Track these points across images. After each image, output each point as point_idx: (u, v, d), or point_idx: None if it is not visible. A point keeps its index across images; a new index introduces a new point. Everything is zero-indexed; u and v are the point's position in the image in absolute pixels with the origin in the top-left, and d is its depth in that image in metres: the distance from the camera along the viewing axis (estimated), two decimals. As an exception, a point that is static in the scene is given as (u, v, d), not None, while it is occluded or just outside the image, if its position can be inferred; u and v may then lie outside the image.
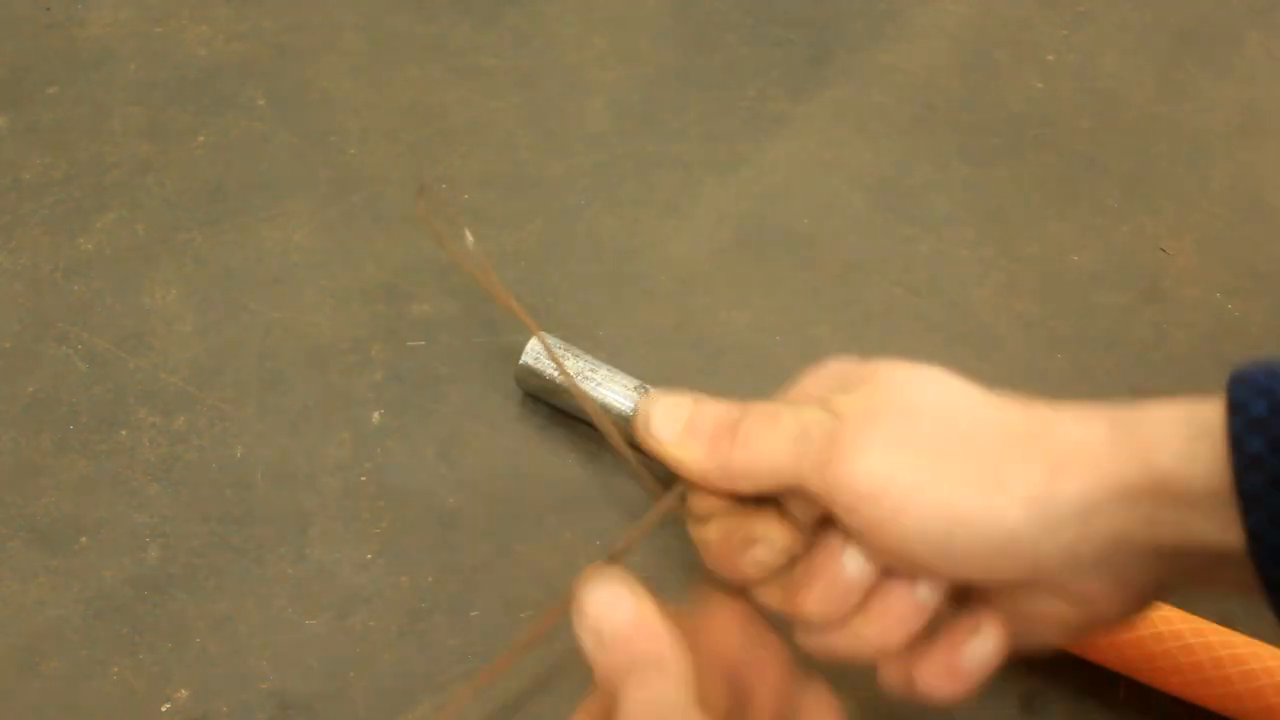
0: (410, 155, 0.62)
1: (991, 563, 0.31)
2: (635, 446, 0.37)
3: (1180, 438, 0.29)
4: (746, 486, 0.34)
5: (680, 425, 0.35)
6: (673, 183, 0.62)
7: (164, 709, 0.44)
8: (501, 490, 0.51)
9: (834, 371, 0.36)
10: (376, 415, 0.53)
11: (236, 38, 0.68)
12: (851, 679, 0.46)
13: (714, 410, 0.35)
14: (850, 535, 0.33)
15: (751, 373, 0.54)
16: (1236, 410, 0.28)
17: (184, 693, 0.45)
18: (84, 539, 0.49)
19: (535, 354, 0.51)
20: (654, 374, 0.51)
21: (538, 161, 0.63)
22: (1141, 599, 0.33)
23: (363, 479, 0.51)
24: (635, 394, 0.49)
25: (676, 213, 0.61)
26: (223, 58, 0.66)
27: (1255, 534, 0.28)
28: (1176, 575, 0.32)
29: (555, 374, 0.50)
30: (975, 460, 0.31)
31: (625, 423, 0.49)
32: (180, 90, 0.65)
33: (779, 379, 0.54)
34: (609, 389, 0.50)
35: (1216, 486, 0.28)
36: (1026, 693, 0.46)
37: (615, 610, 0.32)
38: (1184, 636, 0.43)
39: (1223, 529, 0.29)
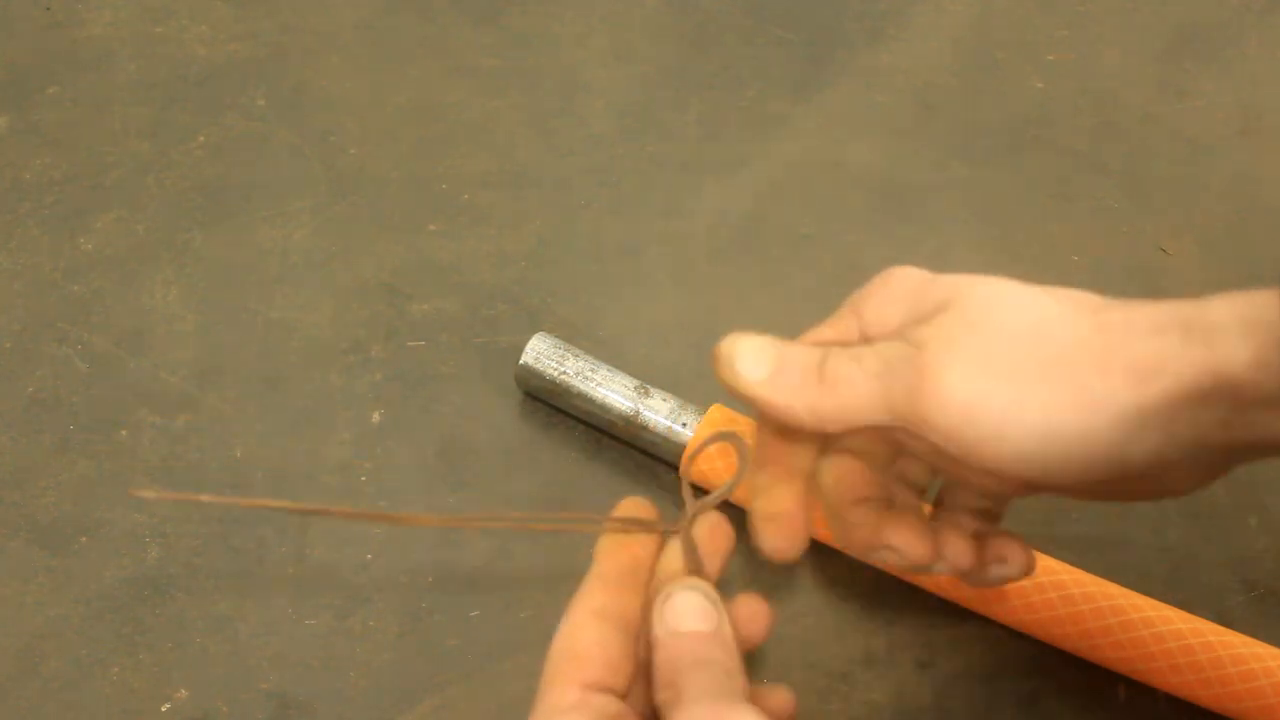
0: (410, 155, 0.62)
1: (1085, 472, 0.32)
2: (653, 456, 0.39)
3: (1249, 346, 0.30)
4: (836, 427, 0.34)
5: (767, 368, 0.35)
6: (673, 183, 0.62)
7: (164, 709, 0.44)
8: (501, 490, 0.51)
9: (905, 288, 0.36)
10: (376, 415, 0.53)
11: (236, 38, 0.68)
12: (851, 680, 0.46)
13: (798, 352, 0.35)
14: (942, 459, 0.34)
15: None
16: None
17: (184, 693, 0.45)
18: (84, 539, 0.49)
19: (535, 354, 0.51)
20: (654, 374, 0.51)
21: (538, 161, 0.63)
22: (1212, 477, 0.34)
23: (363, 479, 0.51)
24: (636, 393, 0.49)
25: (676, 213, 0.61)
26: (223, 58, 0.66)
27: None
28: (1249, 458, 0.33)
29: (556, 374, 0.50)
30: (1064, 378, 0.31)
31: (626, 421, 0.49)
32: (180, 90, 0.65)
33: (779, 379, 0.54)
34: (609, 389, 0.50)
35: None
36: (1027, 693, 0.46)
37: (698, 619, 0.33)
38: (1184, 636, 0.43)
39: None
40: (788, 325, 0.56)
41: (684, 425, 0.49)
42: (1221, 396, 0.30)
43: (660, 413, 0.49)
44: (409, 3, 0.70)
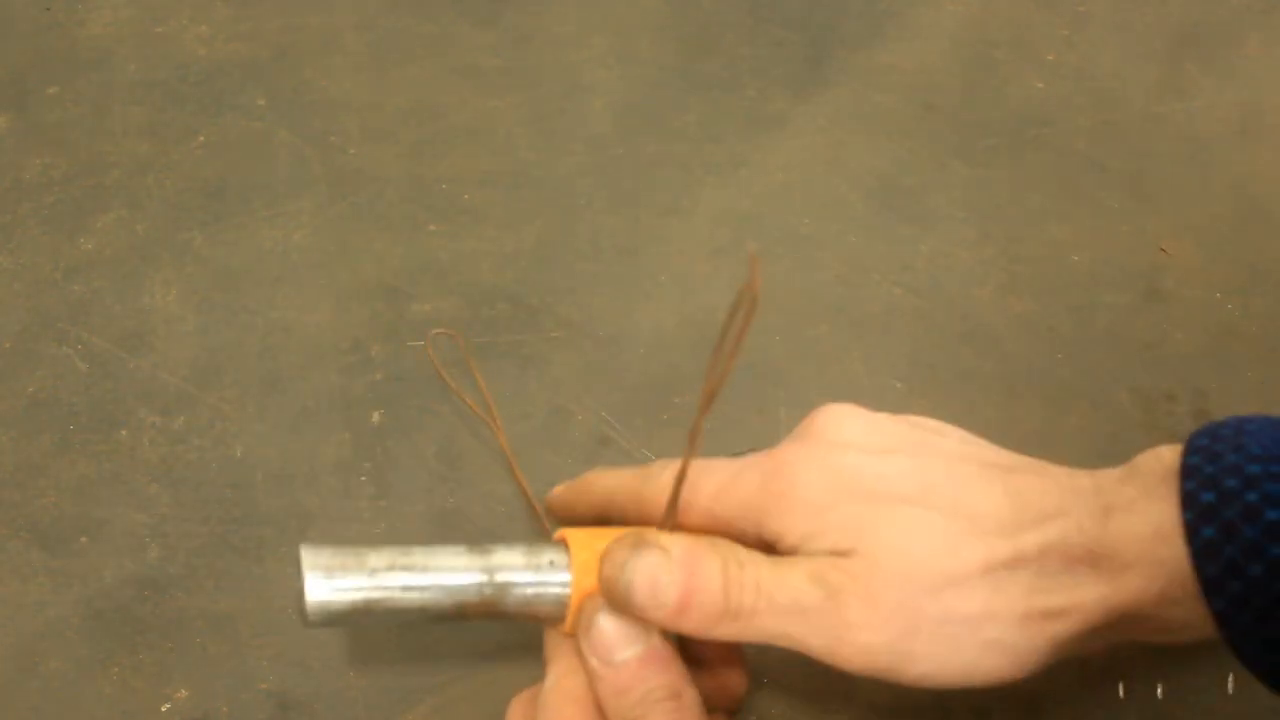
0: (410, 155, 0.62)
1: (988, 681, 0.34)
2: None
3: (1157, 585, 0.31)
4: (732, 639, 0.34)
5: (672, 600, 0.32)
6: (673, 183, 0.62)
7: (164, 709, 0.44)
8: (500, 490, 0.51)
9: (814, 494, 0.34)
10: (376, 415, 0.53)
11: (236, 38, 0.68)
12: (851, 681, 0.46)
13: (703, 580, 0.32)
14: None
15: (752, 373, 0.54)
16: (1188, 502, 0.30)
17: (184, 693, 0.45)
18: (84, 539, 0.49)
19: (323, 581, 0.35)
20: (654, 374, 0.51)
21: (538, 161, 0.63)
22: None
23: (363, 479, 0.51)
24: (476, 559, 0.36)
25: (676, 213, 0.61)
26: (223, 58, 0.66)
27: (1221, 615, 0.29)
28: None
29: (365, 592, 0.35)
30: (979, 635, 0.32)
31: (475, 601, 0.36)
32: (180, 90, 0.65)
33: (779, 379, 0.54)
34: (437, 574, 0.36)
35: (1187, 596, 0.31)
36: (1027, 693, 0.46)
37: (629, 642, 0.33)
38: None
39: (1197, 625, 0.31)
40: (787, 325, 0.57)
41: (551, 564, 0.36)
42: (1129, 623, 0.32)
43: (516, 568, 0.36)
44: (409, 3, 0.70)
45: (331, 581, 0.34)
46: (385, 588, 0.34)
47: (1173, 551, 0.31)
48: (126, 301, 0.56)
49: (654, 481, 0.37)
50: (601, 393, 0.53)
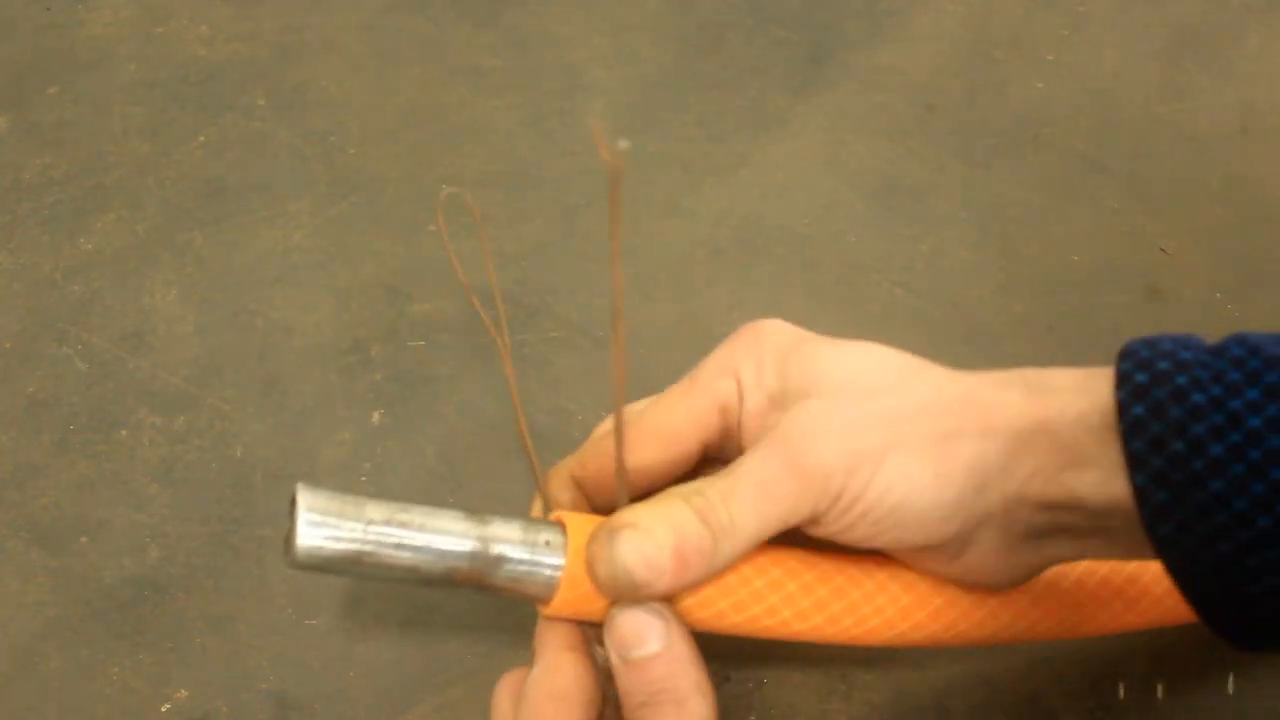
0: (410, 155, 0.62)
1: (929, 529, 0.34)
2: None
3: (1077, 407, 0.33)
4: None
5: (668, 569, 0.32)
6: (673, 183, 0.62)
7: (164, 709, 0.44)
8: (501, 490, 0.51)
9: (776, 352, 0.37)
10: (376, 415, 0.53)
11: (236, 38, 0.68)
12: (850, 680, 0.46)
13: (688, 534, 0.32)
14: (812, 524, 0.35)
15: (751, 373, 0.54)
16: (1122, 381, 0.32)
17: (184, 693, 0.45)
18: (84, 539, 0.49)
19: (316, 523, 0.33)
20: (655, 374, 0.51)
21: (538, 161, 0.63)
22: (1019, 568, 0.36)
23: (363, 479, 0.51)
24: (473, 527, 0.35)
25: (676, 213, 0.61)
26: (223, 58, 0.66)
27: (1141, 491, 0.30)
28: (1064, 541, 0.35)
29: (357, 540, 0.33)
30: (924, 433, 0.34)
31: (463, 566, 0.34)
32: (180, 90, 0.65)
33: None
34: (432, 535, 0.34)
35: (1102, 454, 0.32)
36: (1027, 693, 0.46)
37: (647, 639, 0.33)
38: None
39: (1106, 487, 0.32)
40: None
41: (547, 544, 0.35)
42: (1047, 449, 0.33)
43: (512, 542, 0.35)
44: (409, 3, 0.70)
45: (325, 527, 0.33)
46: (378, 541, 0.33)
47: (1099, 387, 0.32)
48: (126, 301, 0.56)
49: (597, 445, 0.39)
50: (601, 393, 0.53)
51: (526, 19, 0.69)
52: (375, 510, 0.33)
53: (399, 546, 0.33)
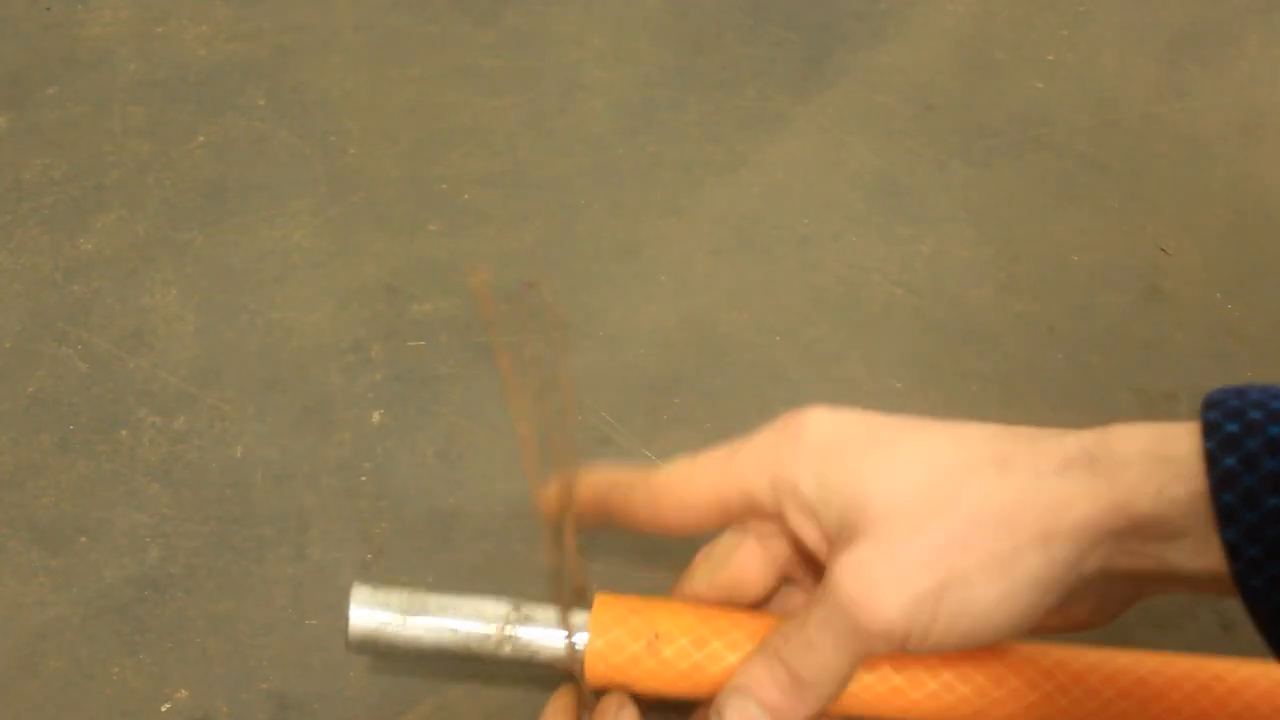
0: (410, 155, 0.62)
1: (1007, 633, 0.33)
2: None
3: (1155, 481, 0.31)
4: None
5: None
6: (673, 183, 0.62)
7: (164, 709, 0.44)
8: (501, 490, 0.51)
9: (808, 458, 0.35)
10: (376, 415, 0.53)
11: (236, 38, 0.68)
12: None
13: (778, 691, 0.35)
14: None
15: (752, 373, 0.54)
16: (1210, 431, 0.30)
17: (184, 693, 0.45)
18: (84, 539, 0.49)
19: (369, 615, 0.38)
20: (656, 374, 0.51)
21: (538, 161, 0.63)
22: (1123, 608, 0.35)
23: (363, 479, 0.51)
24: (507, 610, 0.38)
25: (676, 213, 0.61)
26: (223, 58, 0.66)
27: (1232, 546, 0.29)
28: (1158, 589, 0.34)
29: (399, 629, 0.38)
30: (981, 558, 0.32)
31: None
32: (180, 90, 0.65)
33: (779, 379, 0.54)
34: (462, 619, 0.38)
35: (1192, 521, 0.30)
36: (1026, 693, 0.46)
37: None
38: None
39: (1200, 556, 0.31)
40: (787, 325, 0.57)
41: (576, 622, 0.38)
42: (1126, 530, 0.31)
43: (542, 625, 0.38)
44: (409, 3, 0.70)
45: (374, 607, 0.38)
46: (421, 610, 0.38)
47: (1177, 450, 0.31)
48: (126, 301, 0.56)
49: (649, 482, 0.38)
50: (601, 393, 0.53)
51: (526, 19, 0.69)
52: (418, 589, 0.38)
53: (442, 609, 0.38)
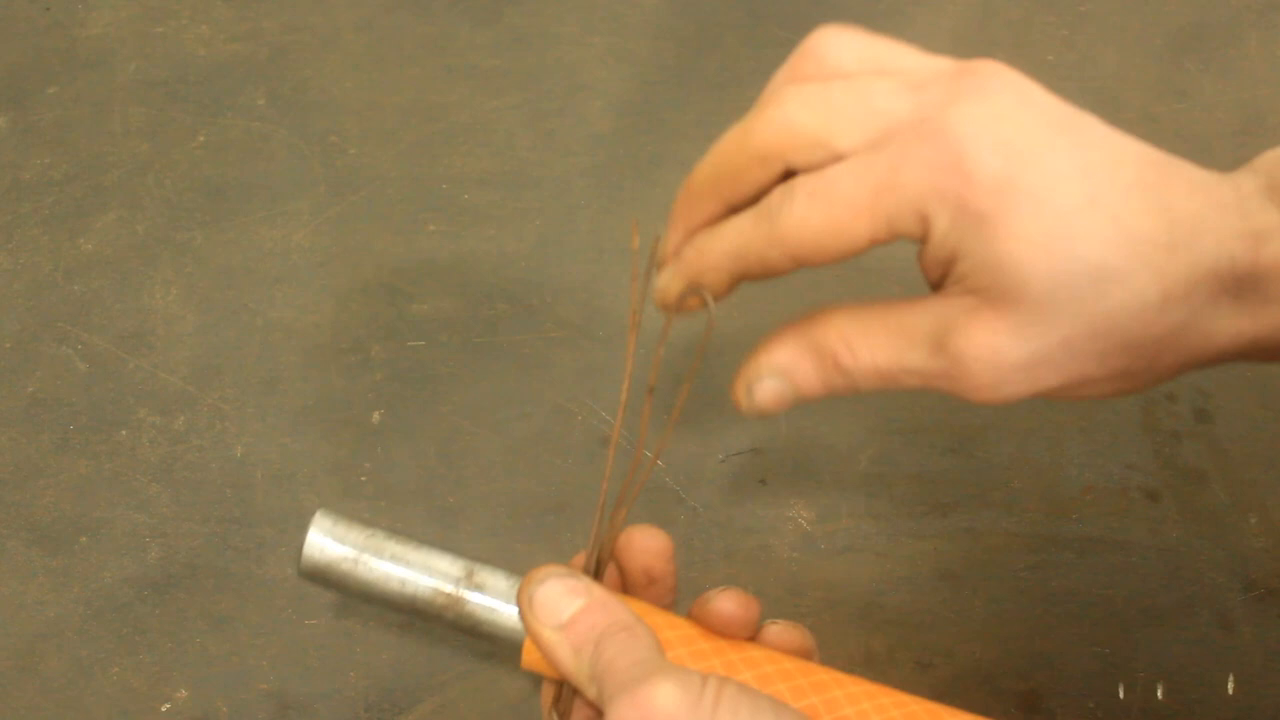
0: (410, 155, 0.62)
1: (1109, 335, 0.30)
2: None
3: None
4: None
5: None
6: (673, 183, 0.62)
7: (164, 709, 0.44)
8: (499, 490, 0.51)
9: (952, 201, 0.31)
10: (376, 415, 0.53)
11: (236, 38, 0.68)
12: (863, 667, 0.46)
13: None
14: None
15: (751, 373, 0.54)
16: None
17: (184, 693, 0.45)
18: (84, 539, 0.49)
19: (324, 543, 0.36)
20: (655, 374, 0.51)
21: (538, 161, 0.63)
22: (1170, 375, 0.32)
23: (363, 479, 0.51)
24: (461, 568, 0.37)
25: (676, 213, 0.61)
26: (223, 58, 0.66)
27: None
28: (1207, 360, 0.32)
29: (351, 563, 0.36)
30: (1116, 370, 0.30)
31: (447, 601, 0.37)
32: (180, 90, 0.65)
33: (779, 379, 0.54)
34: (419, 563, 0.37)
35: None
36: (1027, 692, 0.46)
37: (568, 599, 0.33)
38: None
39: None
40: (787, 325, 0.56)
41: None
42: (1248, 354, 0.30)
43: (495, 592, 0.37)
44: (409, 3, 0.70)
45: (331, 537, 0.36)
46: (375, 550, 0.36)
47: None
48: (126, 301, 0.56)
49: (781, 237, 0.36)
50: (601, 393, 0.53)
51: (526, 19, 0.69)
52: (378, 531, 0.36)
53: (394, 558, 0.36)
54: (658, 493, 0.50)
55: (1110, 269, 0.29)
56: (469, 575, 0.36)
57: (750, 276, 0.36)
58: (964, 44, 0.70)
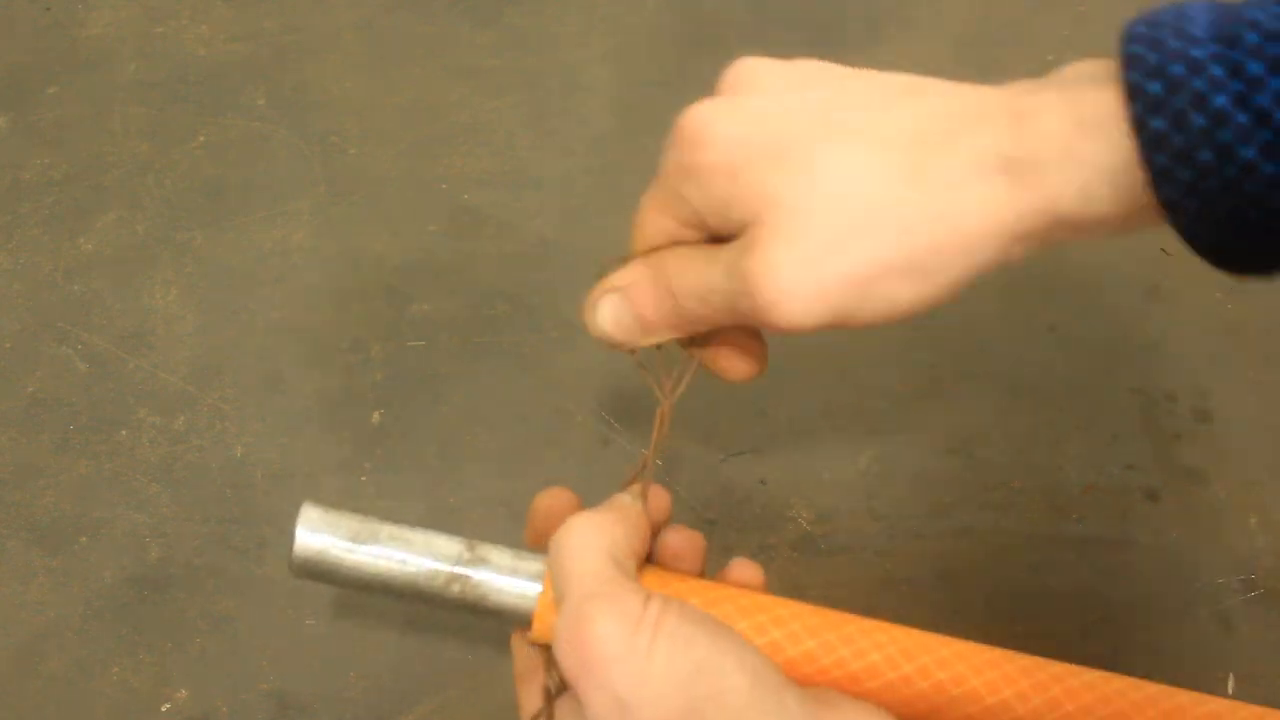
0: (410, 155, 0.62)
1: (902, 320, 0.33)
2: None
3: (1075, 181, 0.30)
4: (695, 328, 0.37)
5: (636, 327, 0.38)
6: (673, 183, 0.62)
7: (164, 709, 0.44)
8: (502, 490, 0.51)
9: (725, 156, 0.35)
10: (376, 415, 0.53)
11: (236, 38, 0.68)
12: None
13: (650, 301, 0.37)
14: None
15: (751, 373, 0.54)
16: (1134, 96, 0.29)
17: (184, 693, 0.45)
18: (84, 539, 0.49)
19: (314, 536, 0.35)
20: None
21: (538, 161, 0.63)
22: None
23: (363, 479, 0.51)
24: (464, 549, 0.36)
25: (676, 213, 0.61)
26: (223, 58, 0.66)
27: (1170, 204, 0.29)
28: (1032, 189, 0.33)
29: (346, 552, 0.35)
30: (904, 263, 0.32)
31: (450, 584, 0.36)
32: (180, 90, 0.65)
33: (778, 379, 0.54)
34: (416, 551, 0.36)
35: (1115, 207, 0.30)
36: (1026, 693, 0.46)
37: (544, 497, 0.37)
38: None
39: (1125, 223, 0.31)
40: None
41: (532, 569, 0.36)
42: (1050, 226, 0.31)
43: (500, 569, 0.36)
44: (409, 3, 0.70)
45: (322, 529, 0.35)
46: (372, 536, 0.36)
47: (1095, 145, 0.30)
48: (126, 301, 0.56)
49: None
50: (601, 393, 0.53)
51: (526, 19, 0.69)
52: (370, 518, 0.35)
53: (391, 540, 0.35)
54: (658, 493, 0.50)
55: (864, 203, 0.32)
56: (470, 550, 0.35)
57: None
58: (964, 44, 0.70)
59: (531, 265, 0.58)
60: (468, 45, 0.68)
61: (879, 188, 0.32)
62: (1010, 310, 0.57)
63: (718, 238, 0.35)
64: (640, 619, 0.29)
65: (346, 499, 0.50)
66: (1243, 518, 0.50)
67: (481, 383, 0.54)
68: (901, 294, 0.32)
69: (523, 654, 0.36)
